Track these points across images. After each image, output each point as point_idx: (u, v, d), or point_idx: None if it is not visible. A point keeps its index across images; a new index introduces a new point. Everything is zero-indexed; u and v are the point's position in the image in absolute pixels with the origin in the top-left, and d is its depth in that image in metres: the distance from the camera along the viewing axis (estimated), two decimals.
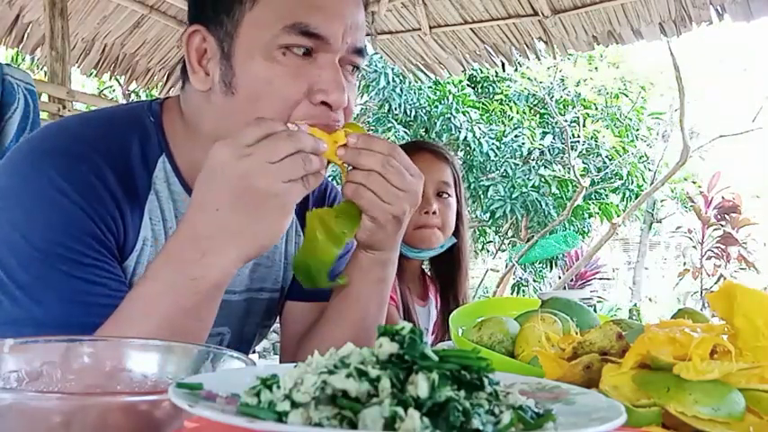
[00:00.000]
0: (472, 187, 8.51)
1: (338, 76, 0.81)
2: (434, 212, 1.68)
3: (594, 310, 1.06)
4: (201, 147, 0.86)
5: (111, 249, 0.83)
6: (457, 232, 1.79)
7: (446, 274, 1.84)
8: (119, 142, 0.86)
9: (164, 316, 0.75)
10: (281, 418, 0.39)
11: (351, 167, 0.82)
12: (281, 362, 1.18)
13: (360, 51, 0.86)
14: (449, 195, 1.74)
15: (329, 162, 0.81)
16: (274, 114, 0.79)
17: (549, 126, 8.86)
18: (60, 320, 0.77)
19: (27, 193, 0.79)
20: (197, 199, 0.75)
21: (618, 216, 8.42)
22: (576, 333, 0.82)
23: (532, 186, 8.35)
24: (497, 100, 9.21)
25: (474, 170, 8.50)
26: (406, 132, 8.23)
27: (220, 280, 0.77)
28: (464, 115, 8.31)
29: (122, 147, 0.86)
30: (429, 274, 1.93)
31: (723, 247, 7.16)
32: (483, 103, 9.02)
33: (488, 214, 8.69)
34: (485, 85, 9.30)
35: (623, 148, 8.87)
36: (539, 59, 3.76)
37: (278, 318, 1.15)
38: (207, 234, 0.74)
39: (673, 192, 10.34)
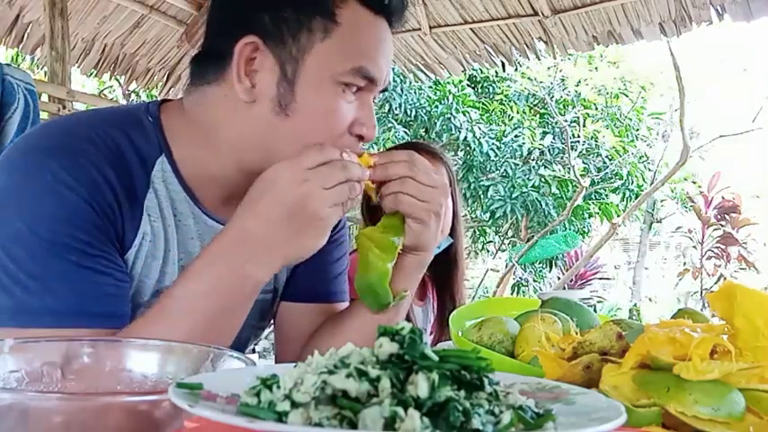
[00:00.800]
0: (472, 187, 8.51)
1: (373, 112, 0.90)
2: None
3: (594, 310, 1.06)
4: (208, 148, 0.90)
5: (113, 241, 0.84)
6: (453, 232, 1.79)
7: (443, 274, 1.84)
8: (116, 140, 0.86)
9: (204, 315, 0.79)
10: (281, 418, 0.39)
11: (376, 185, 0.89)
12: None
13: (386, 88, 0.94)
14: None
15: None
16: (325, 141, 0.84)
17: (549, 126, 8.86)
18: (74, 310, 0.79)
19: (31, 188, 0.80)
20: (250, 207, 0.80)
21: (618, 216, 8.41)
22: (576, 333, 0.82)
23: (532, 186, 8.35)
24: (497, 100, 9.20)
25: (474, 170, 8.50)
26: (406, 132, 8.23)
27: (261, 283, 0.83)
28: (464, 115, 8.31)
29: (120, 145, 0.86)
30: (427, 273, 1.93)
31: (723, 247, 7.16)
32: (483, 103, 9.01)
33: (488, 214, 8.68)
34: (485, 85, 9.30)
35: (623, 148, 8.87)
36: (539, 59, 3.76)
37: (272, 320, 1.15)
38: (256, 240, 0.79)
39: (673, 192, 10.33)
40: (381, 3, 0.88)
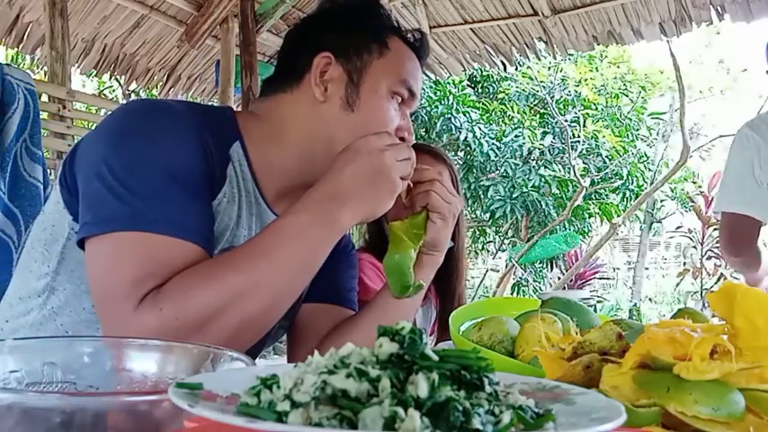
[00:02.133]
0: (472, 187, 8.51)
1: (410, 122, 1.12)
2: None
3: (594, 310, 1.07)
4: (275, 143, 1.06)
5: (210, 188, 0.98)
6: (455, 235, 1.79)
7: (444, 276, 1.84)
8: (207, 120, 1.00)
9: (307, 243, 0.92)
10: (281, 418, 0.39)
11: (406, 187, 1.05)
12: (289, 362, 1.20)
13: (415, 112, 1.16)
14: None
15: None
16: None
17: (550, 126, 8.86)
18: (192, 227, 0.89)
19: (155, 124, 0.93)
20: (338, 170, 0.96)
21: (618, 216, 8.42)
22: (576, 333, 0.82)
23: (532, 186, 8.35)
24: (498, 100, 9.20)
25: (474, 170, 8.50)
26: None
27: (346, 227, 0.96)
28: (464, 115, 8.31)
29: (209, 124, 1.00)
30: None
31: None
32: (483, 103, 9.01)
33: (488, 214, 8.68)
34: (485, 85, 9.30)
35: (623, 148, 8.87)
36: (539, 59, 3.76)
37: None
38: (344, 192, 0.94)
39: (673, 192, 10.33)
40: (414, 44, 1.14)
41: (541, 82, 8.77)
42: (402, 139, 1.08)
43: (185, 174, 0.91)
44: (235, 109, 1.14)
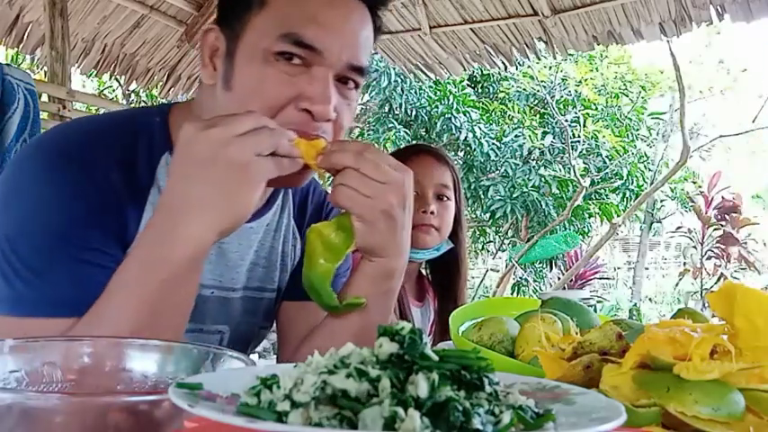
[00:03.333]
0: (472, 187, 8.50)
1: (327, 89, 0.85)
2: (432, 212, 1.68)
3: (594, 310, 1.06)
4: None
5: (115, 236, 0.87)
6: (456, 237, 1.78)
7: (444, 278, 1.84)
8: (126, 141, 0.91)
9: (144, 289, 0.77)
10: (281, 418, 0.39)
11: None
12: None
13: (359, 69, 0.89)
14: (448, 198, 1.74)
15: (308, 167, 0.83)
16: (263, 114, 0.83)
17: (550, 126, 8.86)
18: (74, 302, 0.81)
19: (38, 185, 0.84)
20: (170, 174, 0.79)
21: (618, 216, 8.41)
22: (576, 333, 0.82)
23: (532, 186, 8.34)
24: (498, 100, 9.20)
25: (474, 170, 8.50)
26: (406, 132, 8.23)
27: (194, 252, 0.78)
28: (464, 115, 8.31)
29: (129, 145, 0.91)
30: (428, 277, 1.92)
31: (723, 247, 7.15)
32: (483, 103, 9.01)
33: (488, 214, 8.68)
34: (485, 85, 9.30)
35: (623, 148, 8.86)
36: (539, 59, 3.76)
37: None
38: (178, 206, 0.77)
39: (673, 192, 10.33)
40: None
41: (541, 82, 8.77)
42: (307, 111, 0.85)
43: (73, 234, 0.83)
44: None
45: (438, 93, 8.35)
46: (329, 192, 0.89)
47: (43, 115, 2.50)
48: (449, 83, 8.19)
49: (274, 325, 1.16)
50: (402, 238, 0.88)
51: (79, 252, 0.83)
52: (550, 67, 8.79)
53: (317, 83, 0.84)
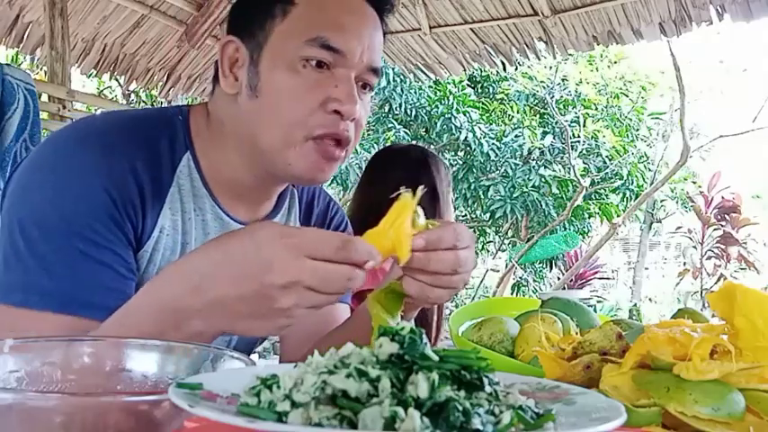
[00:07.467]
0: (472, 187, 8.50)
1: (353, 89, 0.88)
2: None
3: (594, 310, 1.06)
4: (222, 146, 0.95)
5: (127, 236, 0.87)
6: None
7: None
8: (151, 138, 0.92)
9: (153, 329, 0.71)
10: (281, 418, 0.39)
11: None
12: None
13: (375, 71, 0.93)
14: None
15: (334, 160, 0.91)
16: (292, 119, 0.87)
17: (550, 126, 8.86)
18: (67, 295, 0.81)
19: (58, 173, 0.84)
20: (216, 246, 0.72)
21: (618, 216, 8.41)
22: (576, 333, 0.82)
23: (532, 186, 8.34)
24: (498, 100, 9.20)
25: (474, 170, 8.50)
26: (406, 132, 8.23)
27: (199, 339, 0.71)
28: (464, 115, 8.31)
29: (153, 142, 0.92)
30: None
31: (723, 247, 7.16)
32: (483, 103, 9.01)
33: (488, 214, 8.68)
34: (485, 85, 9.30)
35: (623, 148, 8.87)
36: (539, 59, 3.75)
37: None
38: (202, 297, 0.70)
39: (673, 192, 10.33)
40: None
41: (541, 82, 8.77)
42: (337, 112, 0.87)
43: (84, 227, 0.82)
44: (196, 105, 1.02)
45: (438, 93, 8.35)
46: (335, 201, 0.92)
47: (43, 115, 2.50)
48: (449, 83, 8.19)
49: None
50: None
51: (87, 247, 0.82)
52: (550, 68, 8.79)
53: (343, 84, 0.88)
